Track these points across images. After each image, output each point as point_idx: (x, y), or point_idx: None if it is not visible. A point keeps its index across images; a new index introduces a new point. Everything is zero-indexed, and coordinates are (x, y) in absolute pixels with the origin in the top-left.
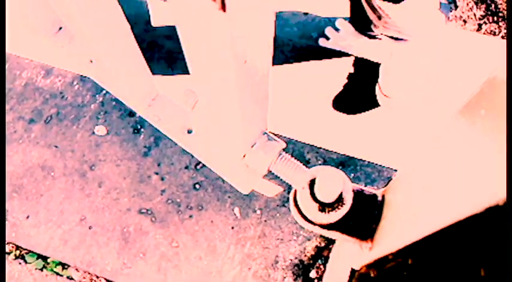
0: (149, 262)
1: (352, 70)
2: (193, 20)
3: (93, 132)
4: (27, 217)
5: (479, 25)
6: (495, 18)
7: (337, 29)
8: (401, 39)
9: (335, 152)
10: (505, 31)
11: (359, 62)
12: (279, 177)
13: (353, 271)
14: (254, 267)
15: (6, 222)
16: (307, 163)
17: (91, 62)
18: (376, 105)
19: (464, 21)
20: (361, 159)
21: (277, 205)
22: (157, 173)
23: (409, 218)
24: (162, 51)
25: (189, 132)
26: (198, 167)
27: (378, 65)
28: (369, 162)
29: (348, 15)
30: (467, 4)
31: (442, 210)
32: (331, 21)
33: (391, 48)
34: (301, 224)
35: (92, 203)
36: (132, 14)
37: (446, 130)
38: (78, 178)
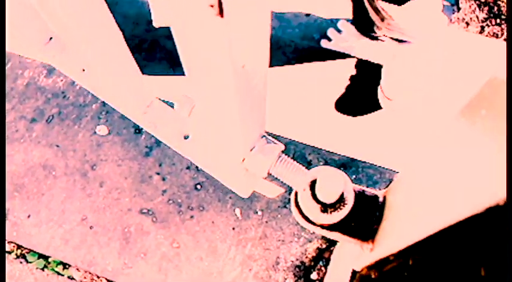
0: (150, 262)
1: (354, 72)
2: (190, 26)
3: (95, 132)
4: (29, 216)
5: (482, 27)
6: (498, 21)
7: (339, 31)
8: (404, 41)
9: (337, 154)
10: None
11: (361, 64)
12: (279, 179)
13: (354, 272)
14: (255, 269)
15: (8, 221)
16: (308, 165)
17: (83, 70)
18: (378, 107)
19: (467, 24)
20: (363, 161)
21: (279, 206)
22: (158, 173)
23: (409, 219)
24: (164, 52)
25: (186, 137)
26: (199, 167)
27: (380, 66)
28: (370, 164)
29: (351, 17)
30: (470, 6)
31: (442, 211)
32: (333, 23)
33: (393, 50)
34: (303, 225)
35: (93, 203)
36: (134, 14)
37: (446, 130)
38: (80, 178)
